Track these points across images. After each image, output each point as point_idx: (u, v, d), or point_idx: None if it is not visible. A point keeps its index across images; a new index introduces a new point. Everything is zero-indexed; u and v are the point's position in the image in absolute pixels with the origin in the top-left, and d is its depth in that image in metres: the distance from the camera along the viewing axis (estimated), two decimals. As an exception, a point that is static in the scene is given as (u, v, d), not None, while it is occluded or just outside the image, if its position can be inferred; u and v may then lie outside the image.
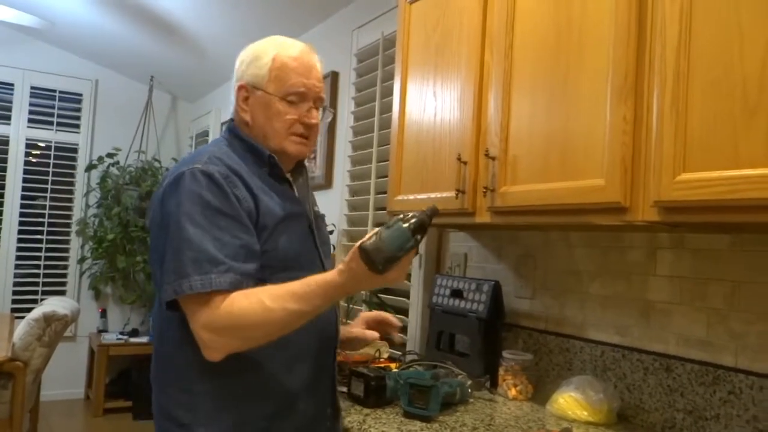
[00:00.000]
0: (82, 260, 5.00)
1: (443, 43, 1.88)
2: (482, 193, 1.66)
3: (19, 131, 4.86)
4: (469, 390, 1.67)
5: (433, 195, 1.85)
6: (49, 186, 4.95)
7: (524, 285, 2.00)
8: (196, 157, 1.22)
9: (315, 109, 1.31)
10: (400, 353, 1.76)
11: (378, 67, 2.83)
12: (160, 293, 1.17)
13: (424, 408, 1.49)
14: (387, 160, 2.31)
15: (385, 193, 2.30)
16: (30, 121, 4.90)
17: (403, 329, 2.51)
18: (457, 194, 1.72)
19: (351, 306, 2.74)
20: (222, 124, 4.62)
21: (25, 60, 4.85)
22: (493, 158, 1.61)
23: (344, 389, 1.63)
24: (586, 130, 1.37)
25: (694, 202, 1.14)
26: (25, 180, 4.87)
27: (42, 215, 4.94)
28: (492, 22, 1.69)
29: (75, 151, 5.06)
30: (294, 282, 1.12)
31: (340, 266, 1.10)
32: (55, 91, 4.99)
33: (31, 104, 4.91)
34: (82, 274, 5.03)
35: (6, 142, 4.82)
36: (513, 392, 1.77)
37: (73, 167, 5.06)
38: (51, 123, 4.98)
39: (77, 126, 5.07)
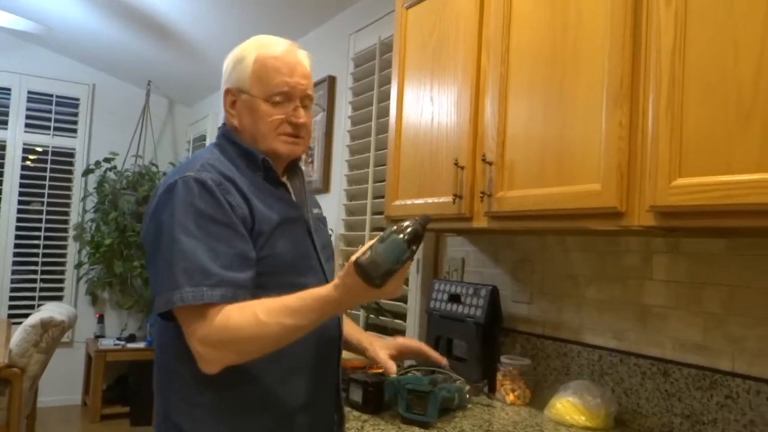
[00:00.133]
0: (79, 265, 4.99)
1: (440, 47, 1.88)
2: (479, 197, 1.66)
3: (16, 136, 4.86)
4: (467, 395, 1.67)
5: (430, 200, 1.85)
6: (46, 191, 4.95)
7: (521, 289, 2.00)
8: (188, 165, 1.20)
9: (302, 108, 1.28)
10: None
11: (375, 71, 2.83)
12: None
13: (422, 414, 1.49)
14: (384, 165, 2.32)
15: (382, 197, 2.30)
16: (27, 125, 4.90)
17: (401, 334, 2.51)
18: (454, 199, 1.73)
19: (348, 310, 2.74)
20: (221, 126, 4.62)
21: (22, 64, 4.85)
22: (490, 163, 1.62)
23: (342, 395, 1.62)
24: (582, 135, 1.37)
25: (689, 207, 1.14)
26: (21, 185, 4.87)
27: (39, 220, 4.93)
28: (488, 27, 1.69)
29: (72, 155, 5.06)
30: (290, 296, 1.10)
31: (335, 281, 1.08)
32: (52, 95, 4.99)
33: (28, 109, 4.91)
34: (79, 279, 5.02)
35: (3, 147, 4.82)
36: (511, 397, 1.77)
37: (70, 172, 5.05)
38: (48, 128, 4.98)
39: (74, 130, 5.07)
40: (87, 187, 5.04)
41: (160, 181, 1.40)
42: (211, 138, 4.83)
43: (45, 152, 4.97)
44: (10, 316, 4.62)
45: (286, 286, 1.14)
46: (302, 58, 1.31)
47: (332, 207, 3.08)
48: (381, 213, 2.47)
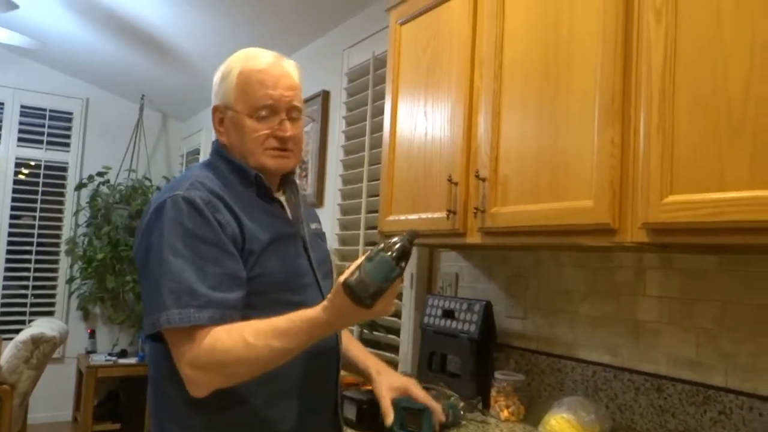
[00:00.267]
0: (71, 280, 4.95)
1: (434, 63, 1.90)
2: (473, 213, 1.66)
3: (8, 150, 4.84)
4: (461, 412, 1.67)
5: (424, 215, 1.86)
6: (38, 205, 4.93)
7: (515, 305, 2.00)
8: (179, 183, 1.19)
9: (289, 120, 1.25)
10: None
11: (369, 86, 2.84)
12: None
13: (416, 431, 1.48)
14: (378, 180, 2.32)
15: (376, 212, 2.30)
16: (20, 140, 4.89)
17: (395, 349, 2.50)
18: (448, 215, 1.73)
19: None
20: (213, 143, 4.62)
21: (15, 79, 4.85)
22: (484, 179, 1.62)
23: (341, 414, 1.61)
24: (574, 151, 1.38)
25: (681, 224, 1.15)
26: (14, 199, 4.84)
27: (31, 235, 4.90)
28: (481, 43, 1.71)
29: (65, 169, 5.04)
30: (279, 317, 1.08)
31: (324, 302, 1.06)
32: (45, 110, 4.98)
33: (21, 123, 4.90)
34: (71, 294, 4.99)
35: (-5, 161, 4.81)
36: (505, 413, 1.76)
37: (63, 186, 5.03)
38: (41, 142, 4.96)
39: (67, 145, 5.06)
40: (79, 201, 5.02)
41: (153, 196, 1.38)
42: (204, 152, 4.83)
43: (37, 166, 4.95)
44: (1, 331, 4.56)
45: (279, 305, 1.12)
46: (288, 69, 1.28)
47: (326, 221, 3.07)
48: (375, 227, 2.47)
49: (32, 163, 4.95)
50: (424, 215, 1.86)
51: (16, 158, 4.87)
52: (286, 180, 1.36)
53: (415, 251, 2.42)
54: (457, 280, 2.25)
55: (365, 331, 2.71)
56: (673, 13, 1.19)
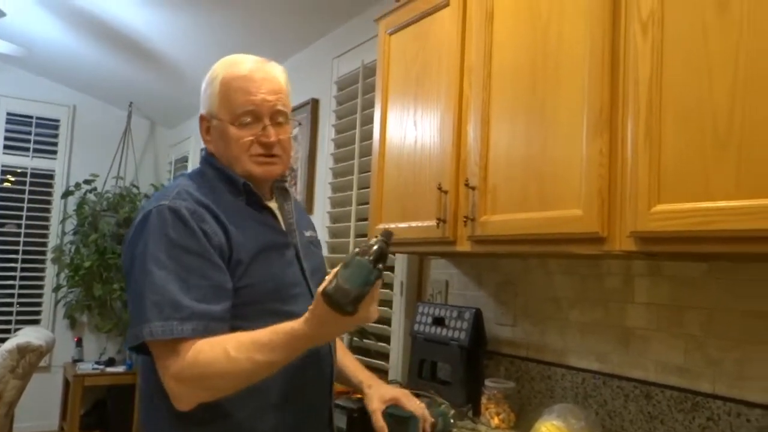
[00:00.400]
0: (57, 288, 4.90)
1: (423, 73, 1.91)
2: (463, 222, 1.67)
3: (-6, 158, 4.80)
4: (451, 420, 1.67)
5: (414, 223, 1.86)
6: (24, 213, 4.88)
7: (505, 312, 2.01)
8: (165, 193, 1.17)
9: (273, 126, 1.22)
10: None
11: (358, 94, 2.85)
12: None
13: (403, 438, 1.48)
14: (368, 187, 2.33)
15: (366, 219, 2.31)
16: (6, 147, 4.84)
17: (385, 357, 2.50)
18: (438, 223, 1.74)
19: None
20: (201, 149, 4.61)
21: (1, 86, 4.81)
22: (473, 188, 1.63)
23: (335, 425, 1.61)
24: (563, 161, 1.40)
25: (669, 233, 1.16)
26: (-1, 207, 4.80)
27: (16, 243, 4.85)
28: (470, 53, 1.72)
29: (51, 177, 5.00)
30: (262, 330, 1.06)
31: (306, 314, 1.04)
32: (31, 117, 4.94)
33: (6, 130, 4.86)
34: (57, 302, 4.94)
35: (-20, 169, 4.76)
36: (496, 421, 1.77)
37: (50, 194, 4.99)
38: (27, 149, 4.92)
39: (54, 152, 5.02)
40: (66, 209, 4.98)
41: (141, 204, 1.37)
42: (193, 159, 4.81)
43: (24, 174, 4.91)
44: (-14, 340, 4.52)
45: (270, 316, 1.11)
46: (272, 72, 1.25)
47: (316, 229, 3.08)
48: (365, 235, 2.47)
49: (18, 171, 4.91)
50: (414, 223, 1.86)
51: (2, 166, 4.83)
52: (279, 187, 1.35)
53: (404, 259, 2.43)
54: (447, 287, 2.26)
55: (355, 338, 2.71)
56: (659, 25, 1.21)
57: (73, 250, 4.90)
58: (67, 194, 4.94)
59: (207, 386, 1.07)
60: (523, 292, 1.95)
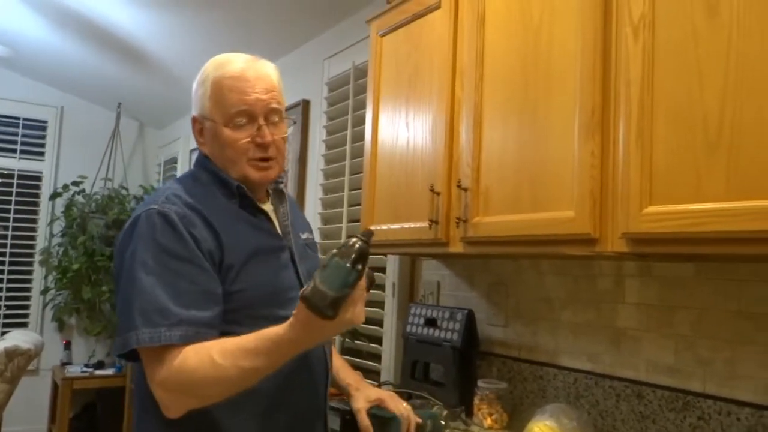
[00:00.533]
0: (45, 291, 4.86)
1: (415, 75, 1.91)
2: (455, 223, 1.68)
3: (-20, 159, 4.75)
4: (442, 421, 1.67)
5: (406, 225, 1.87)
6: (11, 215, 4.83)
7: (497, 313, 2.02)
8: (155, 197, 1.16)
9: (268, 125, 1.20)
10: None
11: (349, 95, 2.85)
12: None
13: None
14: (359, 189, 2.33)
15: (357, 221, 2.31)
16: (-8, 149, 4.80)
17: (377, 358, 2.50)
18: (430, 224, 1.74)
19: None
20: (191, 151, 4.59)
21: (-13, 88, 4.77)
22: (466, 189, 1.64)
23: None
24: (555, 162, 1.41)
25: (660, 235, 1.17)
26: (-14, 209, 4.75)
27: (3, 245, 4.80)
28: (462, 55, 1.73)
29: (39, 179, 4.95)
30: (247, 335, 1.04)
31: (290, 319, 1.01)
32: (18, 118, 4.89)
33: (-7, 132, 4.81)
34: (45, 305, 4.89)
35: (-33, 171, 4.71)
36: (488, 421, 1.77)
37: (37, 196, 4.94)
38: (14, 151, 4.88)
39: (42, 153, 4.97)
40: (54, 211, 4.93)
41: (129, 206, 1.35)
42: (182, 161, 4.79)
43: (10, 175, 4.86)
44: (-27, 344, 4.47)
45: (264, 320, 1.08)
46: (264, 70, 1.23)
47: (312, 230, 3.07)
48: (356, 237, 2.47)
49: (5, 172, 4.86)
50: (406, 225, 1.87)
51: (-11, 167, 4.79)
52: (274, 189, 1.33)
53: (396, 260, 2.43)
54: (439, 288, 2.27)
55: (347, 340, 2.71)
56: (650, 28, 1.22)
57: (61, 252, 4.86)
58: (55, 196, 4.89)
59: (194, 393, 1.05)
60: (515, 292, 1.96)
